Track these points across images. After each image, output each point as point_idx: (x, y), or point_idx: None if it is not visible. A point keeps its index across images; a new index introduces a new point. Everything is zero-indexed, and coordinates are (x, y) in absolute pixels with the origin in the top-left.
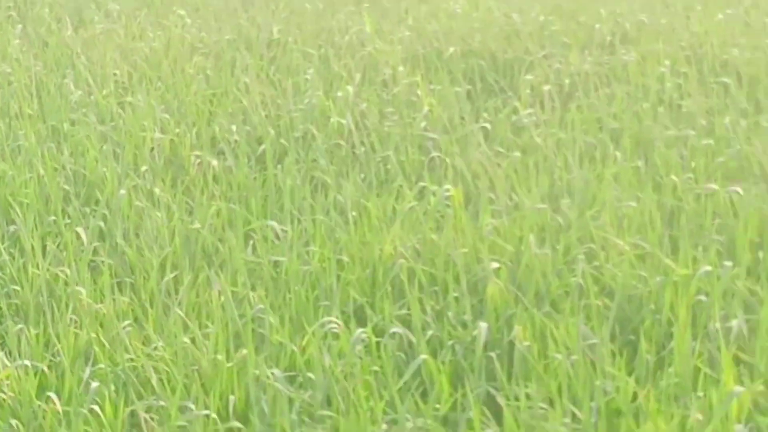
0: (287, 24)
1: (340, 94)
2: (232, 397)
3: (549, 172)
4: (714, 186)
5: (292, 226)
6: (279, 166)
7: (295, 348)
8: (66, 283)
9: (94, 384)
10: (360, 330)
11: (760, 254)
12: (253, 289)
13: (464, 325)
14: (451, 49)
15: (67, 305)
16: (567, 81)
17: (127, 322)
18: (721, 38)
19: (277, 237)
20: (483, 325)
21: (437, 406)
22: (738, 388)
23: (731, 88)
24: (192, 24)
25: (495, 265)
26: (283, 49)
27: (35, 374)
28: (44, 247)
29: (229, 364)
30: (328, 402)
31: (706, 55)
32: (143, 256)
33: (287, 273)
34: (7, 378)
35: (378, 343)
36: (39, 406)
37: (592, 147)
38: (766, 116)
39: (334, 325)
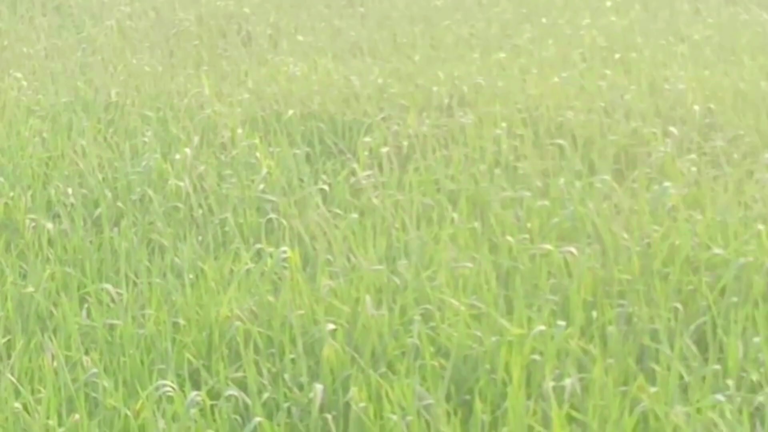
0: (125, 86)
1: (178, 156)
2: None
3: (386, 233)
4: (548, 246)
5: (127, 289)
6: (115, 229)
7: (128, 412)
8: None
9: None
10: (194, 393)
11: (594, 314)
12: (87, 353)
13: (300, 387)
14: (291, 112)
15: None
16: (405, 143)
17: None
18: (557, 101)
19: (113, 300)
20: (318, 386)
21: None
22: None
23: (566, 150)
24: (28, 86)
25: (331, 326)
26: (121, 111)
27: None
28: None
29: (61, 430)
30: None
31: (542, 118)
32: None
33: (122, 336)
34: None
35: (213, 406)
36: None
37: (429, 208)
38: (600, 177)
39: (169, 389)
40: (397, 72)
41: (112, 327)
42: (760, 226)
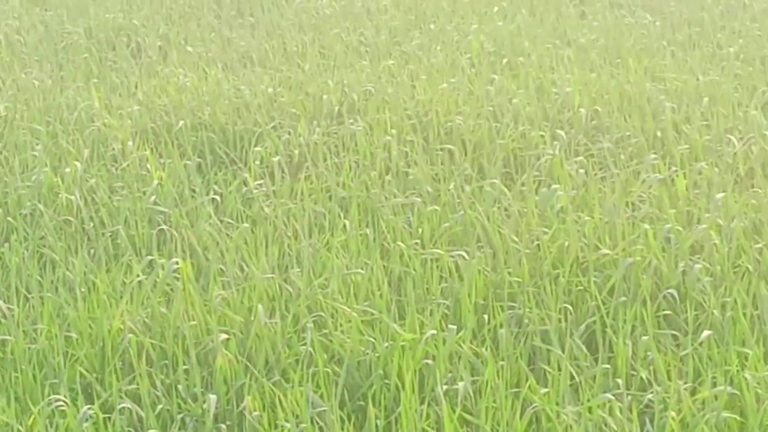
0: (14, 101)
1: (68, 170)
2: None
3: (279, 242)
4: (439, 251)
5: (19, 304)
6: (6, 245)
7: (21, 428)
8: None
9: None
10: (87, 407)
11: (485, 317)
12: None
13: (194, 398)
14: (181, 123)
15: None
16: (296, 152)
17: None
18: (446, 107)
19: (4, 316)
20: (212, 397)
21: None
22: None
23: (456, 155)
24: None
25: (224, 336)
26: (10, 126)
27: None
28: None
29: None
30: None
31: (432, 124)
32: None
33: (14, 352)
34: None
35: (106, 419)
36: None
37: (321, 216)
38: (490, 182)
39: (61, 403)
40: (288, 81)
41: (3, 343)
42: (647, 226)
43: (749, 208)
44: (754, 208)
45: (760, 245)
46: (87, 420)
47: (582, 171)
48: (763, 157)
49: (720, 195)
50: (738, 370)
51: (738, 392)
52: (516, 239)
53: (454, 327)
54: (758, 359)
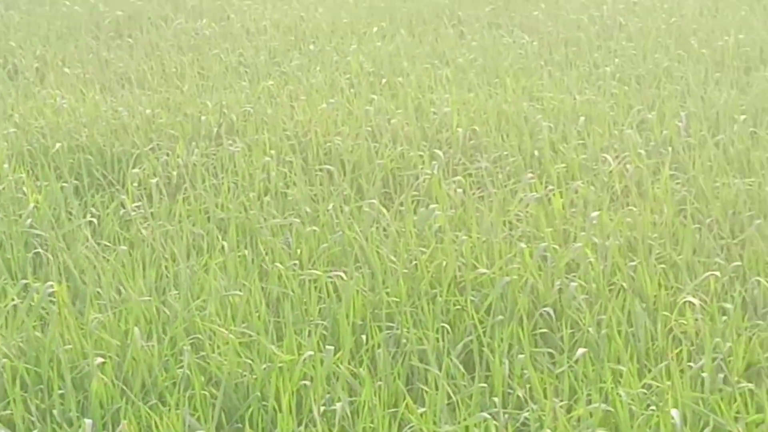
0: None
1: None
2: None
3: (156, 264)
4: (317, 272)
5: None
6: None
7: None
8: None
9: None
10: None
11: (363, 337)
12: None
13: (70, 423)
14: (58, 145)
15: None
16: (174, 173)
17: None
18: (325, 127)
19: None
20: (88, 421)
21: None
22: None
23: (335, 176)
24: None
25: (100, 359)
26: None
27: None
28: None
29: None
30: None
31: (311, 144)
32: None
33: None
34: None
35: None
36: None
37: (199, 238)
38: (368, 202)
39: None
40: (166, 102)
41: None
42: (524, 245)
43: (624, 226)
44: (629, 226)
45: (634, 263)
46: None
47: (460, 190)
48: (638, 175)
49: (595, 213)
50: (612, 387)
51: (612, 409)
52: (394, 259)
53: (332, 348)
54: (632, 376)
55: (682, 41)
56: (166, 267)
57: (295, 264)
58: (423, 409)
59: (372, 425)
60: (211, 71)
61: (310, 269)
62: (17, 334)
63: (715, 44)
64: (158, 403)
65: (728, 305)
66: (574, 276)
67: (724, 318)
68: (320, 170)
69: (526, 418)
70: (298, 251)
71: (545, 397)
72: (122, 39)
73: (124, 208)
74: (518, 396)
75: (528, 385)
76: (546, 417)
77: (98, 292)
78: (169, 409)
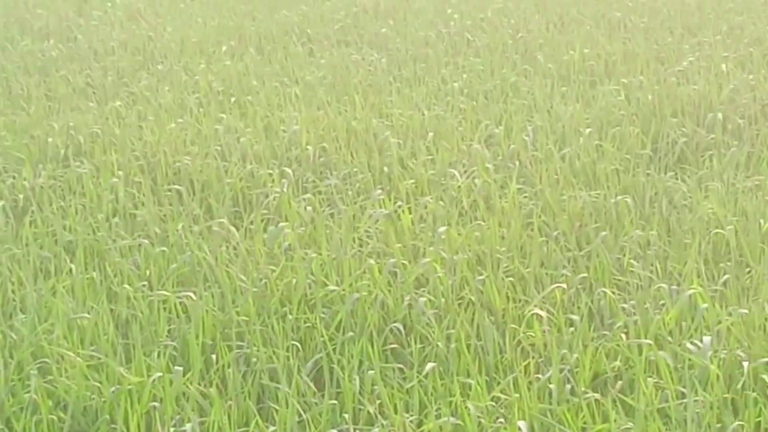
0: None
1: None
2: None
3: (3, 288)
4: (166, 293)
5: None
6: None
7: None
8: None
9: None
10: None
11: (213, 357)
12: None
13: None
14: None
15: None
16: (21, 196)
17: None
18: (174, 147)
19: None
20: None
21: None
22: None
23: (184, 195)
24: None
25: None
26: None
27: None
28: None
29: None
30: None
31: (159, 164)
32: None
33: None
34: None
35: None
36: None
37: (47, 260)
38: (218, 221)
39: None
40: (12, 125)
41: None
42: (372, 261)
43: (473, 240)
44: (477, 240)
45: (483, 276)
46: None
47: (309, 208)
48: (486, 189)
49: (443, 228)
50: (461, 401)
51: (461, 422)
52: (244, 278)
53: (181, 368)
54: (481, 389)
55: (529, 56)
56: (12, 291)
57: (144, 285)
58: (273, 428)
59: None
60: (58, 93)
61: (159, 290)
62: None
63: (560, 59)
64: (5, 429)
65: (575, 316)
66: (424, 291)
67: (571, 329)
68: (169, 190)
69: None
70: (147, 272)
71: (395, 412)
72: None
73: None
74: (369, 412)
75: (378, 401)
76: None
77: None
78: None
